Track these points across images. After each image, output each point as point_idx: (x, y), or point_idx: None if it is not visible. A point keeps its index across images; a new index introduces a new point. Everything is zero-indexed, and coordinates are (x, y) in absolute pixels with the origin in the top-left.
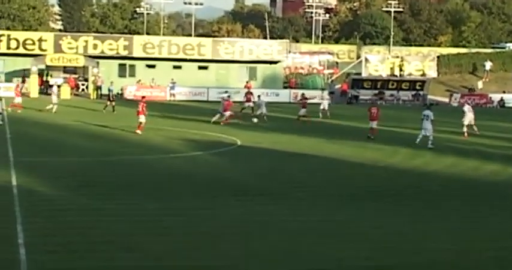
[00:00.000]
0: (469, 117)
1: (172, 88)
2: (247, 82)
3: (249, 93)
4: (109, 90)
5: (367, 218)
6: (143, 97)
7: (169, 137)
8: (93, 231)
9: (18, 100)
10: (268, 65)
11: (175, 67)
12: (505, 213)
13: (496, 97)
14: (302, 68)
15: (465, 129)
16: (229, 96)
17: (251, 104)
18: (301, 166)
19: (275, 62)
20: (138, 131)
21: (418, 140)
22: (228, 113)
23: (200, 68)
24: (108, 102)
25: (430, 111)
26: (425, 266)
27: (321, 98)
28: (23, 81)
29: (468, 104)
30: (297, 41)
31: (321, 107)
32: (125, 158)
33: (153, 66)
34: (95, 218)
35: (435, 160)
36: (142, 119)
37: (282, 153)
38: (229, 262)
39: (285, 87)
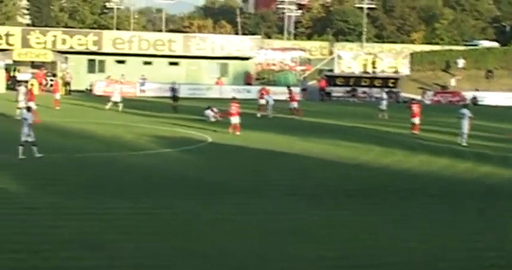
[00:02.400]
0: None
1: (142, 84)
2: (218, 78)
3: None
4: (173, 89)
5: (340, 217)
6: (234, 98)
7: (140, 134)
8: (60, 230)
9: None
10: (239, 61)
11: (145, 63)
12: (473, 212)
13: (468, 95)
14: (274, 64)
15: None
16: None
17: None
18: (273, 164)
19: (247, 58)
20: (236, 132)
21: (462, 139)
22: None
23: (171, 64)
24: (173, 102)
25: (467, 110)
26: (400, 266)
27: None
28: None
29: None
30: (269, 37)
31: (381, 107)
32: (94, 155)
33: (123, 62)
34: (63, 217)
35: (408, 158)
36: (236, 119)
37: (254, 150)
38: (199, 261)
39: (248, 84)
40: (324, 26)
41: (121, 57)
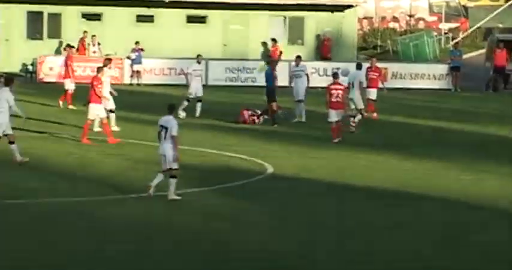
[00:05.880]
0: None
1: (136, 60)
2: (273, 41)
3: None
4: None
5: None
6: (335, 76)
7: (133, 159)
8: None
9: None
10: (327, 14)
11: (140, 18)
12: None
13: None
14: (396, 18)
15: None
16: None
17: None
18: (398, 222)
19: (341, 8)
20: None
21: None
22: None
23: (191, 19)
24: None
25: None
26: None
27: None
28: None
29: None
30: None
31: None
32: (56, 202)
33: (96, 17)
34: None
35: None
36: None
37: (357, 192)
38: None
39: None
40: None
41: (92, 7)
